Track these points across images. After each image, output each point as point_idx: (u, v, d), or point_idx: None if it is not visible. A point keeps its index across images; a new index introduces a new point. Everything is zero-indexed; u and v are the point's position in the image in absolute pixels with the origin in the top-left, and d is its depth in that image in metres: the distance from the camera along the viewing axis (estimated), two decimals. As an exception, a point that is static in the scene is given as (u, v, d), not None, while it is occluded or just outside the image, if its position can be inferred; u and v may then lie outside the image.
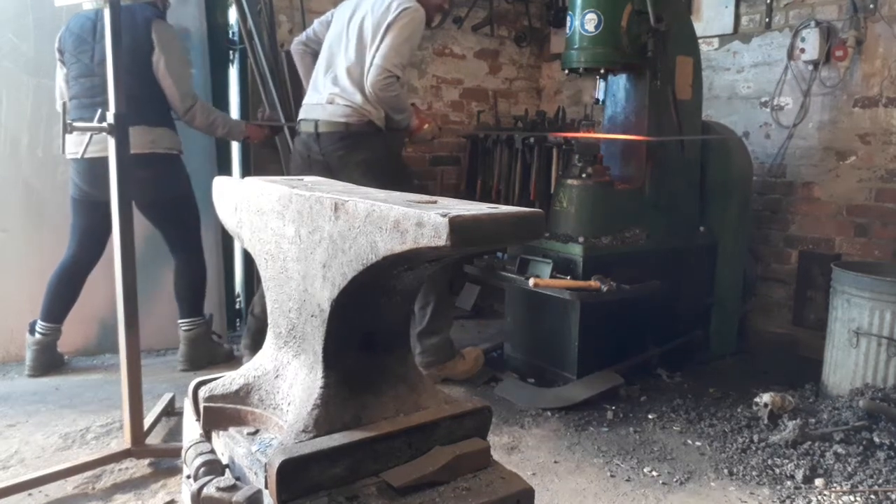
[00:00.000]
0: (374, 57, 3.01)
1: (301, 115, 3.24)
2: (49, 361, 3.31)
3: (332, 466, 1.13)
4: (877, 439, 2.57)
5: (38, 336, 3.27)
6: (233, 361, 3.47)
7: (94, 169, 3.08)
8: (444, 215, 0.95)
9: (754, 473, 2.46)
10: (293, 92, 3.78)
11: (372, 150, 3.08)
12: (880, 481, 2.35)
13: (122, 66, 2.20)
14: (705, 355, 3.63)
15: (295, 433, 1.17)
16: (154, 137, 3.11)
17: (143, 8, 3.10)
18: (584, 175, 3.29)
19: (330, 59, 3.20)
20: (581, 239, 3.16)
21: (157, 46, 3.07)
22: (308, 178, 1.61)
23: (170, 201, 3.24)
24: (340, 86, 3.10)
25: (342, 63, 3.13)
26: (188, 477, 1.27)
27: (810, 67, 3.86)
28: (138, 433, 2.38)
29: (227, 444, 1.31)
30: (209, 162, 3.71)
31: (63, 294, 3.30)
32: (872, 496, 2.29)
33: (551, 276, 3.09)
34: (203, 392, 1.38)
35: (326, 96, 3.12)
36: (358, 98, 3.05)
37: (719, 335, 3.71)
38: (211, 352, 3.48)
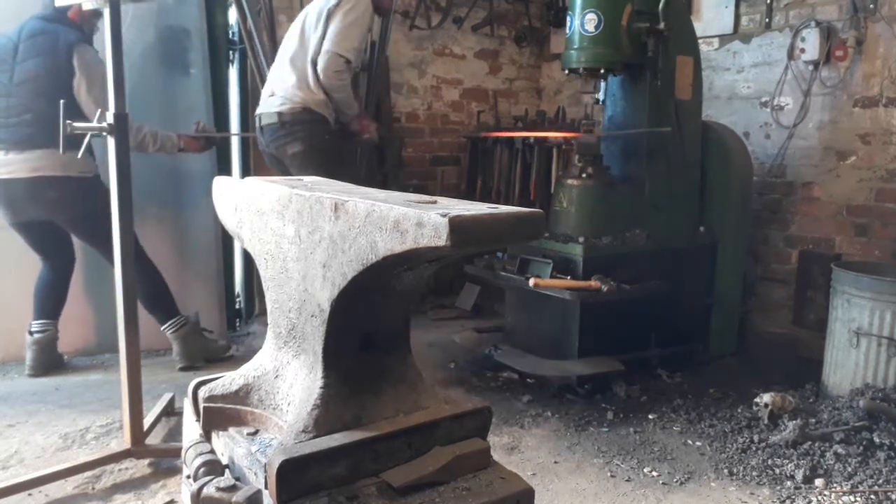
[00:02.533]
0: (321, 44, 3.01)
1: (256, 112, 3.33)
2: (49, 361, 3.31)
3: (332, 466, 1.13)
4: (877, 439, 2.57)
5: (36, 335, 3.28)
6: (232, 360, 3.47)
7: (3, 191, 3.09)
8: (444, 215, 0.95)
9: (754, 473, 2.46)
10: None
11: (302, 143, 3.08)
12: (880, 481, 2.35)
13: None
14: (705, 355, 3.63)
15: (295, 433, 1.17)
16: (66, 161, 2.95)
17: (67, 32, 3.07)
18: (584, 175, 3.30)
19: (279, 59, 3.27)
20: (581, 239, 3.16)
21: (79, 71, 3.04)
22: (308, 178, 1.61)
23: (88, 217, 3.13)
24: (280, 78, 3.15)
25: (286, 56, 3.18)
26: (188, 477, 1.27)
27: (810, 67, 3.86)
28: (138, 433, 2.38)
29: (227, 445, 1.31)
30: (209, 162, 3.70)
31: (50, 296, 3.32)
32: (872, 496, 2.29)
33: (551, 276, 3.10)
34: (203, 392, 1.38)
35: (269, 90, 3.19)
36: (291, 80, 3.06)
37: (719, 335, 3.71)
38: (206, 347, 3.49)
